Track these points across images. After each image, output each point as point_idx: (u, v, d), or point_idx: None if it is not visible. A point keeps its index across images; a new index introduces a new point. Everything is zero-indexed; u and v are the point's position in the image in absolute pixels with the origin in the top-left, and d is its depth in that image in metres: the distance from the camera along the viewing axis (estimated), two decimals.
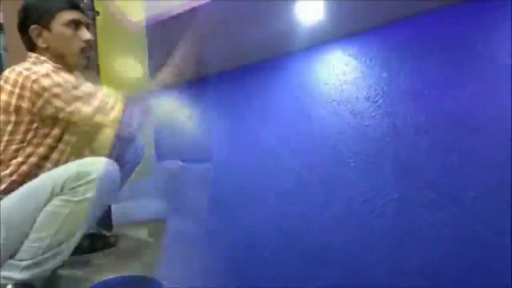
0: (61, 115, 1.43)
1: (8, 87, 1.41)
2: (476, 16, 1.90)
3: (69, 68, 1.58)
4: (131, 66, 2.85)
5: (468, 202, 1.59)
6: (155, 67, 2.63)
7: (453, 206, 1.58)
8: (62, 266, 1.49)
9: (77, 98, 1.42)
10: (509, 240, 1.46)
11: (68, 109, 1.41)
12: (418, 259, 1.56)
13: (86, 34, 1.58)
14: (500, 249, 1.46)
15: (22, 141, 1.45)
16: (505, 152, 1.60)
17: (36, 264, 1.34)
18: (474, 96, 1.74)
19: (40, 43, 1.54)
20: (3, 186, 1.42)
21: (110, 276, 1.71)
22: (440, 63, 1.87)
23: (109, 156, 1.45)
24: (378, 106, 1.94)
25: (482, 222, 1.53)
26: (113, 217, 2.31)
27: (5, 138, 1.44)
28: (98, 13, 2.43)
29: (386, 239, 1.66)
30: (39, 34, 1.53)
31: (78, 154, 1.59)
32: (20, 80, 1.39)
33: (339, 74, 2.13)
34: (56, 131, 1.50)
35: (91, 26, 2.08)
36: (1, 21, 3.13)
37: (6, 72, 1.45)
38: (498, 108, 1.68)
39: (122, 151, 1.79)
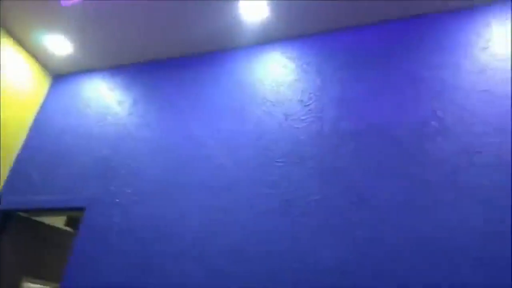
0: None
1: None
2: (404, 33, 2.04)
3: None
4: None
5: (384, 207, 1.67)
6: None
7: (368, 209, 1.66)
8: None
9: None
10: (413, 241, 1.56)
11: None
12: (332, 257, 1.61)
13: None
14: (404, 250, 1.55)
15: None
16: (419, 160, 1.71)
17: None
18: (396, 108, 1.86)
19: None
20: None
21: None
22: (370, 74, 1.98)
23: None
24: (309, 110, 1.99)
25: (391, 225, 1.62)
26: None
27: None
28: None
29: (302, 238, 1.69)
30: None
31: None
32: None
33: (276, 75, 2.16)
34: None
35: None
36: None
37: None
38: (416, 120, 1.80)
39: None
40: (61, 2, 2.30)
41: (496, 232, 1.49)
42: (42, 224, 2.60)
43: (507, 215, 1.52)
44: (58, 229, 2.74)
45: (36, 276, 2.50)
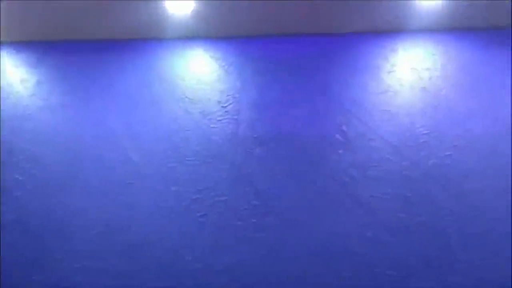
0: None
1: None
2: (322, 49, 2.15)
3: None
4: None
5: (285, 212, 1.74)
6: None
7: (271, 213, 1.71)
8: None
9: None
10: (311, 245, 1.65)
11: None
12: (233, 258, 1.63)
13: None
14: (303, 254, 1.63)
15: None
16: (322, 169, 1.81)
17: None
18: (306, 118, 1.95)
19: None
20: None
21: None
22: (286, 83, 2.05)
23: None
24: (226, 111, 2.01)
25: (292, 230, 1.69)
26: None
27: None
28: None
29: (205, 239, 1.69)
30: None
31: None
32: None
33: (197, 73, 2.14)
34: None
35: None
36: None
37: None
38: (323, 132, 1.91)
39: None
40: None
41: (381, 240, 1.63)
42: None
43: (394, 225, 1.67)
44: None
45: None
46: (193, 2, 2.08)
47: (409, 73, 2.01)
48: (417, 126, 1.86)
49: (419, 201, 1.68)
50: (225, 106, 2.01)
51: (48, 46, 2.33)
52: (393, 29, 2.15)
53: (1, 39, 2.45)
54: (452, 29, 2.08)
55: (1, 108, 2.18)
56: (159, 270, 1.72)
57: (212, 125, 1.97)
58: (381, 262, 1.60)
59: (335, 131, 1.92)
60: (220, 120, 1.98)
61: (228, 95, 2.03)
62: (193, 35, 2.25)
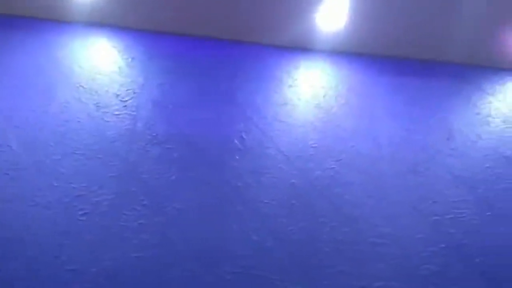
0: None
1: None
2: (232, 55, 2.20)
3: None
4: None
5: (175, 213, 1.72)
6: None
7: (160, 215, 1.68)
8: None
9: None
10: (197, 249, 1.65)
11: None
12: (113, 261, 1.56)
13: None
14: (189, 257, 1.63)
15: None
16: (218, 173, 1.84)
17: None
18: (208, 122, 1.97)
19: None
20: None
21: None
22: (191, 84, 2.05)
23: None
24: (124, 106, 1.93)
25: (180, 232, 1.68)
26: None
27: None
28: None
29: (86, 239, 1.59)
30: None
31: None
32: None
33: (97, 62, 2.02)
34: None
35: None
36: None
37: None
38: (222, 137, 1.94)
39: None
40: None
41: (265, 244, 1.71)
42: None
43: (278, 230, 1.76)
44: None
45: None
46: None
47: (307, 89, 2.16)
48: (308, 139, 2.00)
49: (302, 209, 1.80)
50: (124, 101, 1.93)
51: None
52: (299, 47, 2.30)
53: None
54: (347, 53, 2.30)
55: None
56: (30, 269, 1.57)
57: (107, 119, 1.87)
58: (263, 265, 1.67)
59: (234, 137, 1.97)
60: (116, 115, 1.89)
61: (128, 90, 1.95)
62: (98, 21, 2.13)
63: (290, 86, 2.16)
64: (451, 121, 2.12)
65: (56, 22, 2.13)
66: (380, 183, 1.91)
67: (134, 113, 1.91)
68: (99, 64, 2.01)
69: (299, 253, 1.71)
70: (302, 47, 2.30)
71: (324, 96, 2.14)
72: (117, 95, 1.94)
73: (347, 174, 1.92)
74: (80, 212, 1.65)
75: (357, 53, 2.31)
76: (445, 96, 2.21)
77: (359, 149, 2.00)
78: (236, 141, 1.95)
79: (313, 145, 1.99)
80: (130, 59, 2.03)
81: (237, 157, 1.90)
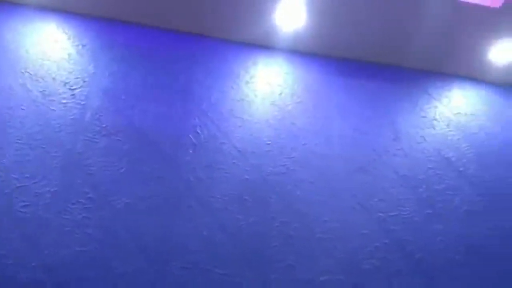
0: None
1: None
2: (190, 48, 2.16)
3: None
4: None
5: (123, 207, 1.68)
6: None
7: (106, 209, 1.64)
8: None
9: None
10: (142, 244, 1.62)
11: None
12: (54, 256, 1.50)
13: None
14: (133, 252, 1.60)
15: None
16: (169, 168, 1.81)
17: None
18: (161, 114, 1.93)
19: None
20: None
21: None
22: (145, 76, 2.00)
23: None
24: (73, 95, 1.85)
25: (127, 227, 1.64)
26: None
27: None
28: None
29: (27, 234, 1.52)
30: None
31: None
32: None
33: (45, 47, 1.92)
34: None
35: None
36: None
37: None
38: (176, 131, 1.91)
39: None
40: None
41: (215, 239, 1.71)
42: None
43: (229, 225, 1.76)
44: None
45: None
46: None
47: (264, 86, 2.17)
48: (263, 135, 2.02)
49: (254, 204, 1.82)
50: (72, 89, 1.85)
51: None
52: (258, 44, 2.30)
53: None
54: (306, 53, 2.33)
55: None
56: None
57: (53, 107, 1.79)
58: (213, 260, 1.67)
59: (189, 131, 1.95)
60: (63, 103, 1.81)
61: (77, 78, 1.87)
62: (48, 5, 2.02)
63: (247, 82, 2.16)
64: (399, 123, 2.22)
65: (3, 4, 2.00)
66: (329, 181, 1.97)
67: (83, 102, 1.83)
68: (47, 50, 1.90)
69: (249, 248, 1.73)
70: (261, 45, 2.31)
71: (280, 94, 2.16)
72: (65, 83, 1.85)
73: (299, 171, 1.96)
74: (21, 204, 1.57)
75: (315, 53, 2.35)
76: (395, 99, 2.31)
77: (311, 147, 2.04)
78: (190, 136, 1.93)
79: (267, 142, 2.01)
80: (80, 46, 1.94)
81: (190, 152, 1.88)
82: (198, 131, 1.95)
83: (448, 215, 1.98)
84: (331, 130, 2.13)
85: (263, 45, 2.29)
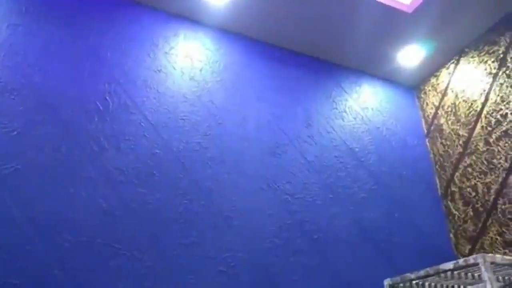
0: None
1: None
2: (103, 7, 2.00)
3: None
4: None
5: (7, 172, 1.52)
6: None
7: None
8: None
9: None
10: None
11: None
12: None
13: None
14: (24, 227, 1.46)
15: None
16: (77, 136, 1.67)
17: None
18: (67, 77, 1.76)
19: None
20: None
21: None
22: (54, 34, 1.80)
23: None
24: None
25: (14, 195, 1.49)
26: None
27: None
28: None
29: None
30: None
31: None
32: None
33: None
34: None
35: None
36: None
37: None
38: (82, 96, 1.77)
39: None
40: None
41: (115, 213, 1.63)
42: None
43: (132, 199, 1.68)
44: None
45: None
46: None
47: (184, 59, 2.10)
48: (178, 110, 1.96)
49: (161, 178, 1.77)
50: None
51: None
52: (182, 15, 2.21)
53: None
54: (232, 32, 2.30)
55: None
56: None
57: None
58: (111, 234, 1.59)
59: (96, 98, 1.81)
60: None
61: None
62: None
63: (166, 53, 2.06)
64: (312, 112, 2.31)
65: None
66: (241, 161, 1.98)
67: None
68: None
69: (152, 224, 1.68)
70: (186, 17, 2.22)
71: (200, 70, 2.11)
72: None
73: (211, 149, 1.95)
74: None
75: (240, 33, 2.33)
76: (311, 89, 2.40)
77: (226, 127, 2.04)
78: (97, 102, 1.80)
79: (182, 118, 1.96)
80: None
81: (96, 119, 1.75)
82: (107, 98, 1.82)
83: (347, 200, 2.13)
84: (248, 112, 2.14)
85: (188, 17, 2.21)
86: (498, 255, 1.33)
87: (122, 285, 1.52)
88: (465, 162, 2.27)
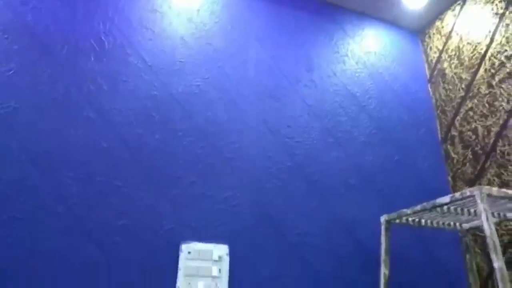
0: None
1: None
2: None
3: None
4: None
5: (7, 111, 1.51)
6: None
7: None
8: None
9: None
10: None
11: None
12: None
13: None
14: (24, 163, 1.47)
15: None
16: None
17: None
18: (60, 12, 1.71)
19: None
20: None
21: None
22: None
23: None
24: None
25: (14, 133, 1.49)
26: None
27: None
28: None
29: None
30: None
31: None
32: None
33: None
34: None
35: None
36: None
37: None
38: (77, 35, 1.72)
39: None
40: None
41: (114, 152, 1.64)
42: None
43: (130, 139, 1.69)
44: None
45: None
46: None
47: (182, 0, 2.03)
48: (176, 52, 1.92)
49: (159, 120, 1.76)
50: None
51: None
52: None
53: None
54: None
55: None
56: None
57: None
58: (110, 172, 1.61)
59: (91, 37, 1.77)
60: None
61: None
62: None
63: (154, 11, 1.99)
64: (313, 55, 2.26)
65: None
66: (241, 104, 1.97)
67: None
68: None
69: (151, 163, 1.69)
70: None
71: (198, 11, 2.04)
72: None
73: (211, 92, 1.92)
74: None
75: None
76: (313, 31, 2.33)
77: (226, 70, 2.00)
78: (92, 42, 1.75)
79: (180, 60, 1.92)
80: None
81: (92, 59, 1.72)
82: (102, 38, 1.77)
83: (347, 144, 2.13)
84: (248, 54, 2.09)
85: None
86: (494, 188, 1.34)
87: (123, 221, 1.55)
88: (467, 105, 2.24)
